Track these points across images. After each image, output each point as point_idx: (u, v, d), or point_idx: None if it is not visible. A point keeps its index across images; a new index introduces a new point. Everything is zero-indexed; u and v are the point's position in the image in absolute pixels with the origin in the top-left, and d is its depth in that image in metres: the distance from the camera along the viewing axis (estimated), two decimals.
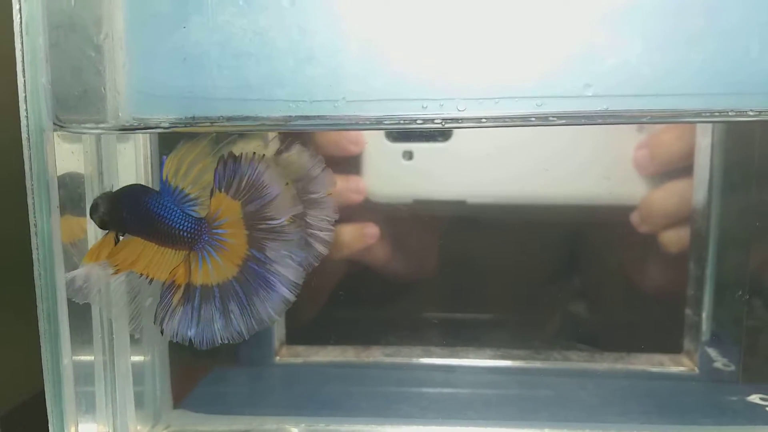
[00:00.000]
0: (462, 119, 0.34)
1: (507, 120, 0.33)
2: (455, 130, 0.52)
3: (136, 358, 0.43)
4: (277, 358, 0.56)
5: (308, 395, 0.50)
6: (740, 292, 0.49)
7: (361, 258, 0.54)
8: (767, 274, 0.50)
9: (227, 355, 0.54)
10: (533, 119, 0.33)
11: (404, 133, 0.53)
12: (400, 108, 0.36)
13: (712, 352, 0.53)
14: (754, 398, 0.48)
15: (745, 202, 0.51)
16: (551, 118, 0.33)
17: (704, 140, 0.51)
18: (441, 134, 0.52)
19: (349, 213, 0.53)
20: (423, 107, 0.36)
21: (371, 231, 0.53)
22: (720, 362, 0.53)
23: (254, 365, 0.55)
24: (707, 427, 0.44)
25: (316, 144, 0.52)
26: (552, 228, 0.53)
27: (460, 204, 0.53)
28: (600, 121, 0.33)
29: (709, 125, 0.51)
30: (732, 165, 0.51)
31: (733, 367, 0.52)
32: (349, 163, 0.53)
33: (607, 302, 0.55)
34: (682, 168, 0.52)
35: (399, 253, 0.54)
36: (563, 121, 0.33)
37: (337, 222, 0.52)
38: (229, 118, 0.34)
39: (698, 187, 0.52)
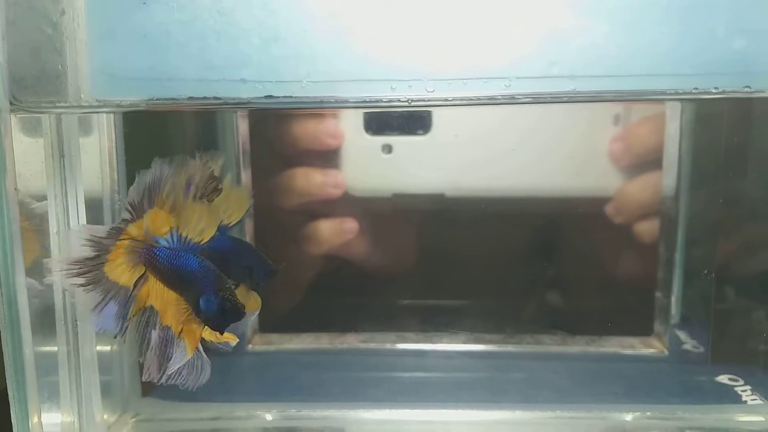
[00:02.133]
0: (431, 100, 0.34)
1: (474, 100, 0.33)
2: (435, 124, 0.51)
3: (104, 348, 0.42)
4: (250, 346, 0.55)
5: (281, 382, 0.49)
6: (706, 271, 0.50)
7: (340, 252, 0.53)
8: (734, 258, 0.51)
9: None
10: (500, 98, 0.33)
11: (383, 126, 0.52)
12: (368, 89, 0.35)
13: (682, 335, 0.54)
14: (723, 378, 0.49)
15: (713, 186, 0.52)
16: (517, 97, 0.32)
17: (672, 125, 0.52)
18: (420, 127, 0.52)
19: (328, 208, 0.53)
20: (392, 88, 0.35)
21: (350, 226, 0.53)
22: (689, 344, 0.54)
23: (226, 354, 0.54)
24: (676, 407, 0.44)
25: (294, 137, 0.52)
26: (527, 219, 0.54)
27: (438, 197, 0.53)
28: (566, 99, 0.33)
29: (678, 111, 0.51)
30: (700, 149, 0.52)
31: (702, 349, 0.53)
32: (327, 157, 0.53)
33: (580, 288, 0.56)
34: (657, 160, 0.52)
35: (378, 246, 0.54)
36: (529, 100, 0.33)
37: (316, 216, 0.53)
38: (191, 98, 0.33)
39: (667, 172, 0.52)
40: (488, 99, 0.33)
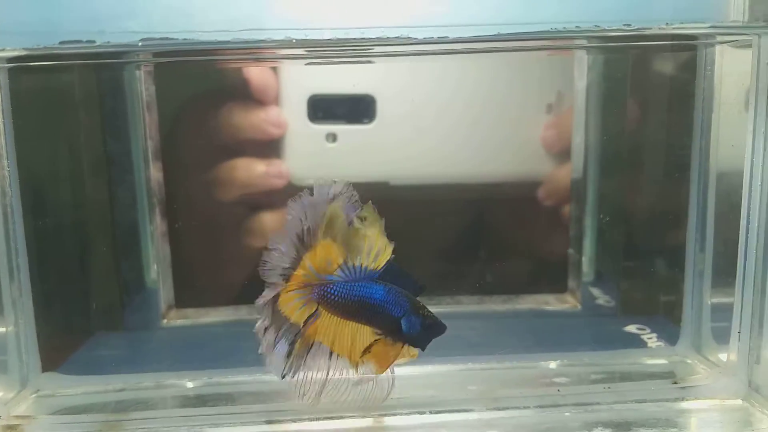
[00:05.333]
0: (322, 41, 0.33)
1: (367, 42, 0.33)
2: (379, 113, 0.51)
3: None
4: (165, 321, 0.54)
5: (192, 353, 0.48)
6: (601, 216, 0.52)
7: None
8: (640, 218, 0.53)
9: (109, 320, 0.52)
10: (395, 40, 0.33)
11: (328, 114, 0.51)
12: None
13: (595, 291, 0.56)
14: (631, 328, 0.51)
15: (619, 143, 0.53)
16: (411, 38, 0.32)
17: (580, 83, 0.53)
18: (365, 116, 0.51)
19: (272, 199, 0.51)
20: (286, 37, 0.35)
21: None
22: (602, 299, 0.55)
23: (139, 329, 0.53)
24: (587, 354, 0.45)
25: (235, 126, 0.50)
26: (462, 201, 0.54)
27: (383, 185, 0.52)
28: (468, 41, 0.33)
29: (585, 70, 0.52)
30: (606, 107, 0.53)
31: (613, 303, 0.55)
32: (270, 147, 0.51)
33: (502, 255, 0.57)
34: None
35: None
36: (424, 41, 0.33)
37: (260, 209, 0.52)
38: (62, 42, 0.32)
39: (576, 129, 0.53)
40: (383, 41, 0.33)
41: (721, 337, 0.42)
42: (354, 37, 0.32)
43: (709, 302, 0.44)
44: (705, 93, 0.42)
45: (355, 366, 0.36)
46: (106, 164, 0.51)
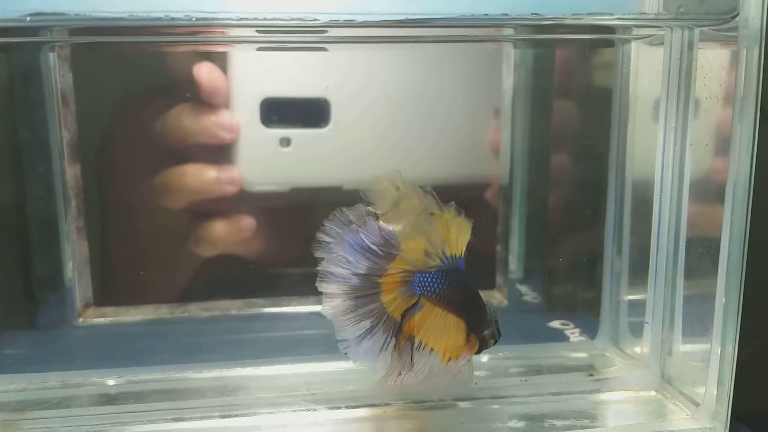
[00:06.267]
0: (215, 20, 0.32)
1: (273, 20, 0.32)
2: (333, 117, 0.50)
3: None
4: (80, 319, 0.51)
5: (106, 352, 0.46)
6: (520, 207, 0.53)
7: (236, 251, 0.51)
8: (564, 220, 0.54)
9: (19, 319, 0.50)
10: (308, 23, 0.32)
11: (282, 118, 0.50)
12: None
13: (522, 288, 0.57)
14: (555, 324, 0.52)
15: (544, 142, 0.54)
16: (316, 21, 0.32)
17: (507, 82, 0.53)
18: (320, 120, 0.50)
19: (224, 206, 0.50)
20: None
21: (247, 224, 0.50)
22: (529, 296, 0.56)
23: (52, 328, 0.50)
24: (510, 347, 0.46)
25: (185, 130, 0.49)
26: None
27: (336, 190, 0.51)
28: (385, 25, 0.33)
29: (512, 68, 0.53)
30: (534, 104, 0.54)
31: (539, 299, 0.55)
32: (222, 152, 0.50)
33: None
34: None
35: (275, 241, 0.52)
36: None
37: (211, 217, 0.50)
38: None
39: (504, 127, 0.54)
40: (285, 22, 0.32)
41: (638, 331, 0.43)
42: (257, 18, 0.31)
43: (626, 298, 0.45)
44: (621, 91, 0.43)
45: (447, 359, 0.35)
46: (16, 155, 0.49)
